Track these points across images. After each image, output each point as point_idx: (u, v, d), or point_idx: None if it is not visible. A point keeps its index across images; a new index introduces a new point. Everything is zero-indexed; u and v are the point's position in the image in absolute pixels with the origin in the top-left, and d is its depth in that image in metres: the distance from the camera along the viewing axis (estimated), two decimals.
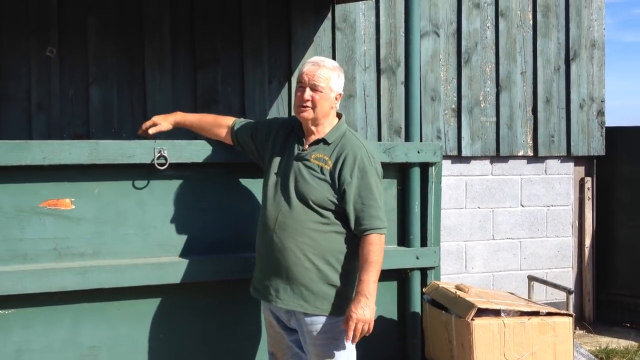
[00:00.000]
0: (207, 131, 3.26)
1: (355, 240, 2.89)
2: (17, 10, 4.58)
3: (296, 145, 2.96)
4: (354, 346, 2.92)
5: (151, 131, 3.23)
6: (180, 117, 3.31)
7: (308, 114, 2.89)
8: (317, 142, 2.94)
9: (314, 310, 2.85)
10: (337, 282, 2.86)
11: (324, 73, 2.88)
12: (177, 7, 4.89)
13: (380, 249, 2.84)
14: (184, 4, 4.91)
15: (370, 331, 2.82)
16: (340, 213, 2.86)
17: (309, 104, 2.87)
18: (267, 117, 5.08)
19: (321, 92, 2.88)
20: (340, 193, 2.84)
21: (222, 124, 3.23)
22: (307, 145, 2.94)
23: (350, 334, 2.78)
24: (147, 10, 4.83)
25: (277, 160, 2.99)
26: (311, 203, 2.84)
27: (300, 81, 2.92)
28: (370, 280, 2.80)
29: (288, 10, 5.13)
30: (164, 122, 3.24)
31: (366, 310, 2.77)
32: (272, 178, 2.97)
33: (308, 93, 2.87)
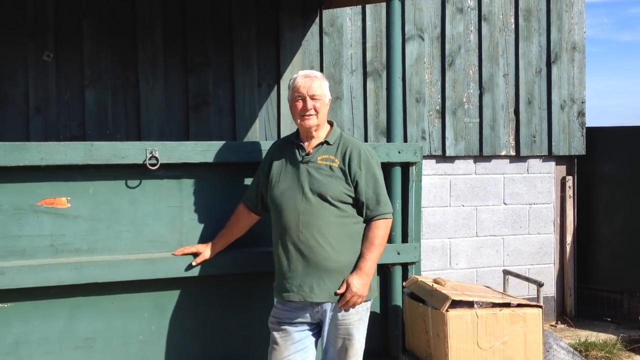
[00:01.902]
0: (239, 230, 3.42)
1: None
2: (14, 16, 4.73)
3: (297, 152, 3.21)
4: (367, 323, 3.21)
5: (195, 263, 3.37)
6: (215, 242, 3.43)
7: (313, 120, 3.17)
8: (319, 145, 3.20)
9: None
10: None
11: (317, 83, 3.19)
12: (169, 13, 5.05)
13: (385, 234, 3.17)
14: (176, 10, 5.06)
15: (358, 304, 3.08)
16: (354, 204, 3.14)
17: (312, 112, 3.16)
18: (257, 119, 5.24)
19: (319, 99, 3.18)
20: (354, 185, 3.14)
21: (239, 215, 3.39)
22: (311, 149, 3.19)
23: (344, 302, 3.04)
24: (140, 16, 4.98)
25: (278, 171, 3.23)
26: (329, 199, 3.10)
27: (298, 94, 3.18)
28: (372, 260, 3.11)
29: (277, 15, 5.29)
30: (206, 250, 3.40)
31: (364, 285, 3.06)
32: (280, 187, 3.19)
33: (310, 103, 3.15)
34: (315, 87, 3.18)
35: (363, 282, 3.06)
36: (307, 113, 3.16)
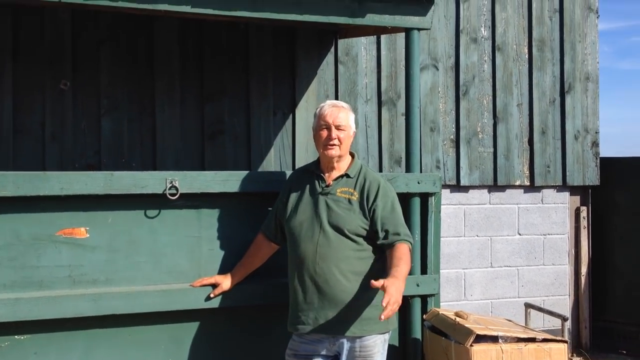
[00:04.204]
0: (258, 260, 3.39)
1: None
2: (32, 45, 4.75)
3: (317, 183, 3.19)
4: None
5: (213, 294, 3.35)
6: (234, 272, 3.40)
7: (335, 151, 3.16)
8: (339, 177, 3.19)
9: (362, 333, 3.07)
10: (377, 302, 3.05)
11: (344, 114, 3.20)
12: (186, 42, 5.06)
13: (410, 257, 3.10)
14: (192, 39, 5.08)
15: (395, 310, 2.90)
16: (371, 238, 3.11)
17: (336, 141, 3.15)
18: (272, 148, 5.23)
19: (345, 130, 3.18)
20: (370, 217, 3.10)
21: (259, 245, 3.37)
22: (331, 181, 3.17)
23: (388, 310, 2.83)
24: (158, 45, 4.99)
25: (297, 202, 3.21)
26: (346, 232, 3.09)
27: (324, 122, 3.17)
28: (404, 272, 3.00)
29: (293, 45, 5.30)
30: (225, 281, 3.36)
31: (398, 291, 2.88)
32: (298, 218, 3.17)
33: (335, 132, 3.15)
34: (342, 117, 3.18)
35: (397, 287, 2.88)
36: (331, 142, 3.15)
